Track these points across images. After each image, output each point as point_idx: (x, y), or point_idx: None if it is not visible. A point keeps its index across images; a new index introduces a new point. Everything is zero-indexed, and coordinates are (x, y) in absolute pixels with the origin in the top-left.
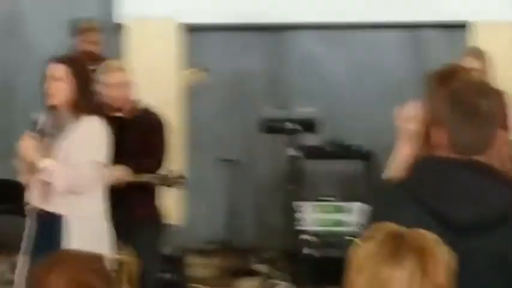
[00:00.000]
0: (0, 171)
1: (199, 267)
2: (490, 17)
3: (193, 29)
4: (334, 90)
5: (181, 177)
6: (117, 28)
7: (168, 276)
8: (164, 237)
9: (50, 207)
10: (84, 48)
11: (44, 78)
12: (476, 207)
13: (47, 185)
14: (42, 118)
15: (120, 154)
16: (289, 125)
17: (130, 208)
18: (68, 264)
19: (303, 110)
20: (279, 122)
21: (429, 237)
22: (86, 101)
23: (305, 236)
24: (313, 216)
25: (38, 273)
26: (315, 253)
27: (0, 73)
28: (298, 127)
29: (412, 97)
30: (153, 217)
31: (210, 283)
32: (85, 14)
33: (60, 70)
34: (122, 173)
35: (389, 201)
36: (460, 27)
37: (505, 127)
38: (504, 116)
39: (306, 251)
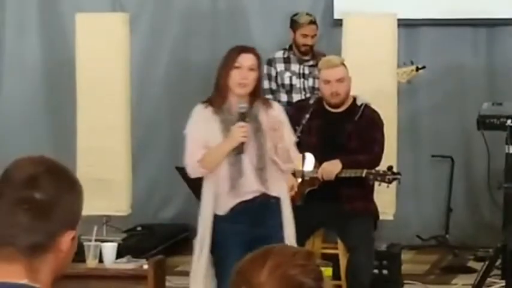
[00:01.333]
0: None
1: (413, 264)
2: None
3: (409, 25)
4: None
5: (397, 173)
6: (336, 23)
7: (383, 271)
8: (378, 233)
9: (272, 191)
10: (301, 42)
11: (229, 67)
12: None
13: (264, 171)
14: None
15: (337, 149)
16: (507, 122)
17: (345, 202)
18: (276, 259)
19: None
20: (497, 119)
21: None
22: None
23: None
24: None
25: (246, 267)
26: None
27: None
28: None
29: None
30: (368, 212)
31: (424, 279)
32: (305, 9)
33: (253, 60)
34: (333, 167)
35: None
36: None
37: None
38: None
39: None
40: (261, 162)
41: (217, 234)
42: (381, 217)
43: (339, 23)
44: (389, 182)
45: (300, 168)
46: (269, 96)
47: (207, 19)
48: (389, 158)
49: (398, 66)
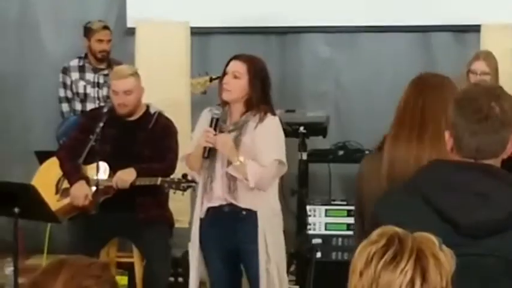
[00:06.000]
0: None
1: None
2: (500, 19)
3: (201, 33)
4: (344, 94)
5: (192, 181)
6: (129, 32)
7: (179, 279)
8: (174, 240)
9: (241, 203)
10: (98, 48)
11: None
12: (484, 210)
13: (234, 180)
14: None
15: (131, 157)
16: (300, 129)
17: (140, 210)
18: (70, 270)
19: (314, 114)
20: (290, 126)
21: (432, 241)
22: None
23: (316, 240)
24: (325, 220)
25: (41, 278)
26: (326, 257)
27: (14, 76)
28: (308, 131)
29: None
30: (163, 220)
31: None
32: (97, 17)
33: (238, 67)
34: (127, 176)
35: (395, 204)
36: (470, 30)
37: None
38: None
39: (317, 255)
40: None
41: (200, 236)
42: (176, 224)
43: (132, 31)
44: (184, 189)
45: (95, 177)
46: (65, 105)
47: None
48: (183, 165)
49: (193, 77)
